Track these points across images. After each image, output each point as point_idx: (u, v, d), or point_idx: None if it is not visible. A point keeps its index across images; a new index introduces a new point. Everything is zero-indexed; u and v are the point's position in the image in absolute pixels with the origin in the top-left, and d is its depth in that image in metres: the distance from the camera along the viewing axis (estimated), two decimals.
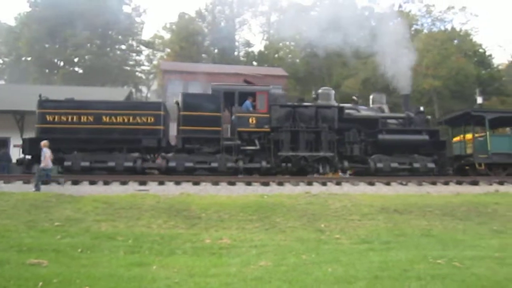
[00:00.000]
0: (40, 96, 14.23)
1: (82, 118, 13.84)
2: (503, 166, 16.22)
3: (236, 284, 4.89)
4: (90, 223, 7.85)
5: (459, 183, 13.57)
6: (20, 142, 15.69)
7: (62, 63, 43.97)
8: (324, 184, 12.60)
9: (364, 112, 16.37)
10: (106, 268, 5.45)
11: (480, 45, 43.49)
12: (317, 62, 43.82)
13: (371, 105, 17.22)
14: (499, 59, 53.06)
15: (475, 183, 13.55)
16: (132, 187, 11.54)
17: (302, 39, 45.64)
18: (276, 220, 8.28)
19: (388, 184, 13.02)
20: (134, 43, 49.27)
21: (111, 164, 13.66)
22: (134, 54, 49.93)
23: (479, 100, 31.91)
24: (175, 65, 35.89)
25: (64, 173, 13.60)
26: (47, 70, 43.91)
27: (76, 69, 44.96)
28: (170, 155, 14.25)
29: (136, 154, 14.06)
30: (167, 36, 52.60)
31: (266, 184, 12.33)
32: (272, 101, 14.87)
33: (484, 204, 9.98)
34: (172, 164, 13.88)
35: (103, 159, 13.76)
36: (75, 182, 12.22)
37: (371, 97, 17.80)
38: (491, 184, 13.41)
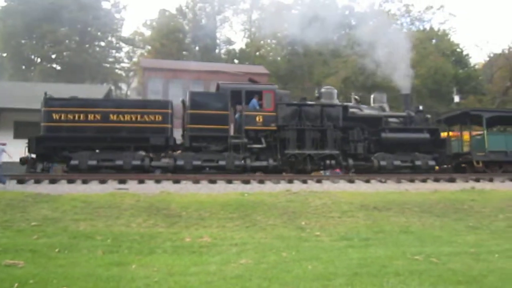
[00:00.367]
0: (45, 94, 14.03)
1: (89, 116, 13.67)
2: (499, 163, 16.76)
3: (216, 283, 4.89)
4: (68, 222, 7.73)
5: (436, 180, 13.82)
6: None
7: (39, 60, 43.10)
8: (304, 182, 12.68)
9: (366, 111, 16.71)
10: (84, 268, 5.37)
11: (458, 45, 44.37)
12: (298, 60, 44.03)
13: (371, 104, 17.58)
14: (476, 59, 54.18)
15: (452, 180, 13.82)
16: (112, 186, 11.40)
17: (283, 37, 45.83)
18: (257, 218, 8.30)
19: (367, 181, 13.18)
20: (114, 40, 48.61)
21: (119, 162, 13.54)
22: (113, 51, 49.28)
23: (456, 98, 32.57)
24: (155, 63, 35.52)
25: (70, 172, 13.45)
26: (23, 67, 42.98)
27: (54, 65, 44.15)
28: (176, 153, 14.25)
29: (142, 153, 13.99)
30: (147, 33, 52.08)
31: (246, 182, 12.34)
32: (278, 100, 15.03)
33: (461, 201, 10.19)
34: (180, 162, 13.84)
35: (111, 157, 13.64)
36: (53, 181, 12.02)
37: (372, 96, 18.16)
38: (467, 181, 13.70)
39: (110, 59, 48.71)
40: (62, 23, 40.80)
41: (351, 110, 16.01)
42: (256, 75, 35.33)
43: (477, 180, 13.94)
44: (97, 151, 13.79)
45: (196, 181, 12.22)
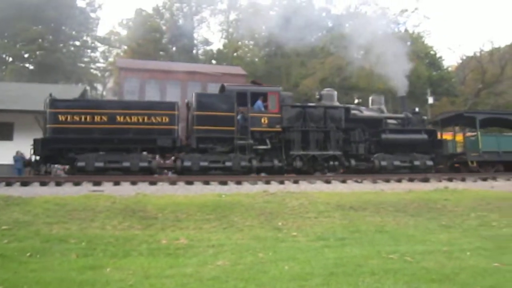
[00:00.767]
0: (50, 95, 13.86)
1: (95, 118, 13.57)
2: (491, 163, 17.53)
3: (193, 284, 4.86)
4: (40, 225, 7.54)
5: (411, 180, 14.07)
6: None
7: (10, 59, 42.04)
8: (281, 182, 12.72)
9: (366, 112, 17.14)
10: (57, 272, 5.26)
11: (432, 48, 45.28)
12: (275, 61, 44.18)
13: (370, 106, 18.06)
14: (449, 61, 55.45)
15: (426, 180, 14.10)
16: (86, 188, 11.20)
17: (261, 38, 45.92)
18: (234, 219, 8.28)
19: (344, 182, 13.31)
20: (89, 39, 47.84)
21: (126, 164, 13.48)
22: (89, 51, 48.49)
23: (430, 100, 33.26)
24: (131, 63, 35.10)
25: (77, 173, 13.30)
26: None
27: (27, 65, 43.14)
28: (181, 154, 14.30)
29: (148, 155, 13.98)
30: (123, 32, 51.48)
31: (224, 183, 12.30)
32: (282, 102, 15.24)
33: (434, 200, 10.39)
34: (187, 163, 13.89)
35: (117, 159, 13.55)
36: (25, 183, 11.73)
37: (370, 98, 18.65)
38: (440, 181, 13.99)
39: (85, 59, 47.94)
40: (35, 21, 39.92)
41: (352, 111, 16.43)
42: (233, 76, 35.36)
43: (450, 180, 14.26)
44: (101, 153, 13.66)
45: (173, 183, 12.12)
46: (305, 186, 12.19)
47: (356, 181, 13.52)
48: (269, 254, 6.26)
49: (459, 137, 19.65)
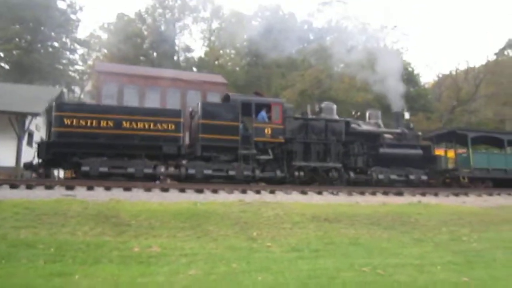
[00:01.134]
0: (57, 99, 13.65)
1: (102, 123, 13.58)
2: (481, 179, 18.33)
3: None
4: (8, 230, 7.31)
5: (385, 193, 14.25)
6: None
7: None
8: (258, 192, 12.71)
9: (364, 126, 17.60)
10: (22, 278, 5.09)
11: (409, 64, 46.24)
12: (256, 71, 44.39)
13: (367, 120, 18.59)
14: (425, 78, 56.67)
15: (400, 193, 14.29)
16: (58, 192, 10.94)
17: (242, 47, 46.11)
18: (209, 228, 8.20)
19: (320, 193, 13.38)
20: (68, 41, 47.13)
21: (131, 170, 13.47)
22: (67, 53, 47.74)
23: (407, 115, 33.89)
24: (111, 67, 34.71)
25: (80, 178, 13.12)
26: None
27: (2, 64, 42.17)
28: (183, 162, 14.43)
29: (152, 161, 13.97)
30: (104, 36, 50.94)
31: (200, 191, 12.21)
32: (285, 113, 15.55)
33: (407, 214, 10.52)
34: (191, 171, 13.98)
35: (122, 165, 13.54)
36: None
37: (367, 113, 19.21)
38: (414, 195, 14.20)
39: (64, 61, 47.15)
40: (13, 20, 39.14)
41: (352, 125, 16.89)
42: (214, 84, 35.33)
43: (423, 194, 14.49)
44: (104, 158, 13.60)
45: (148, 189, 11.96)
46: (281, 197, 12.20)
47: (332, 193, 13.61)
48: (242, 264, 6.21)
49: (451, 154, 20.43)
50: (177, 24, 53.44)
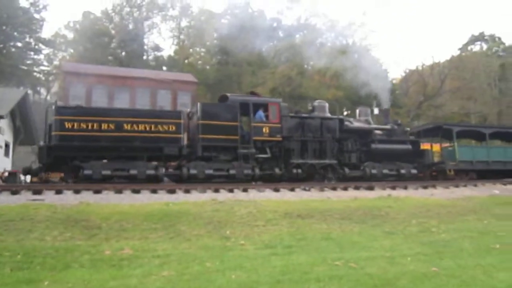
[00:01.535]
0: (56, 102, 13.78)
1: (103, 125, 13.54)
2: (465, 171, 19.30)
3: None
4: None
5: (356, 188, 14.46)
6: None
7: None
8: (231, 191, 12.69)
9: (356, 123, 18.12)
10: None
11: (378, 60, 47.03)
12: (227, 69, 44.29)
13: (357, 117, 19.17)
14: (393, 74, 57.82)
15: (370, 188, 14.54)
16: (25, 197, 10.63)
17: (212, 46, 45.90)
18: (181, 229, 8.15)
19: (292, 190, 13.47)
20: (32, 41, 45.79)
21: (133, 172, 13.52)
22: (32, 53, 46.38)
23: (376, 111, 34.59)
24: (78, 67, 33.96)
25: (83, 182, 13.00)
26: None
27: None
28: (183, 162, 14.59)
29: (153, 163, 14.07)
30: (70, 35, 49.75)
31: (172, 191, 12.09)
32: (282, 112, 15.85)
33: (378, 207, 10.73)
34: (193, 171, 14.12)
35: (124, 167, 13.58)
36: None
37: (357, 110, 19.81)
38: (384, 189, 14.48)
39: (28, 61, 45.80)
40: None
41: (345, 122, 17.43)
42: (184, 83, 35.10)
43: (393, 188, 14.78)
44: (104, 160, 13.60)
45: (119, 191, 11.76)
46: (254, 194, 12.22)
47: (304, 189, 13.73)
48: (216, 263, 6.20)
49: (436, 148, 21.21)
50: (145, 22, 52.77)
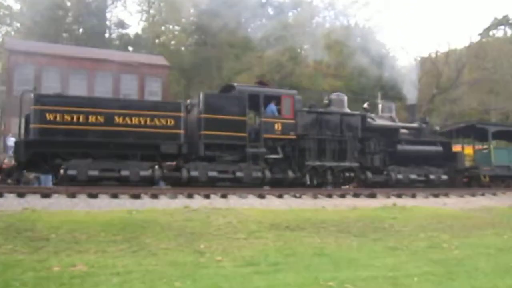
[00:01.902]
0: (35, 89, 13.93)
1: (90, 118, 13.57)
2: (502, 178, 19.31)
3: None
4: None
5: (356, 195, 14.61)
6: None
7: None
8: (207, 197, 12.70)
9: (379, 121, 18.25)
10: None
11: (384, 46, 47.37)
12: (205, 52, 44.15)
13: (380, 113, 19.47)
14: (402, 62, 58.31)
15: (372, 195, 14.69)
16: None
17: (189, 23, 45.72)
18: (146, 241, 8.12)
19: (280, 196, 13.53)
20: None
21: (125, 173, 13.51)
22: None
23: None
24: (26, 45, 33.52)
25: (65, 184, 12.96)
26: None
27: None
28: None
29: (147, 163, 14.14)
30: (16, 6, 49.10)
31: (136, 196, 12.06)
32: (296, 106, 15.92)
33: (381, 219, 10.85)
34: (194, 173, 14.17)
35: (114, 167, 13.58)
36: None
37: (379, 105, 19.61)
38: (388, 197, 14.65)
39: None
40: None
41: (368, 120, 17.53)
42: (154, 66, 34.93)
43: (399, 196, 14.96)
44: (89, 159, 13.56)
45: (72, 195, 11.68)
46: (234, 201, 12.25)
47: (295, 196, 13.80)
48: (187, 282, 6.18)
49: (468, 150, 21.29)
50: None
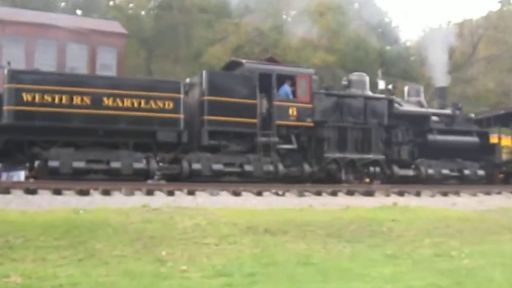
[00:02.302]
0: (8, 63, 14.00)
1: (75, 99, 13.66)
2: None
3: None
4: None
5: (350, 193, 14.70)
6: None
7: None
8: (170, 193, 12.67)
9: (407, 106, 18.50)
10: None
11: (386, 14, 47.61)
12: (171, 18, 43.77)
13: (405, 98, 19.58)
14: (407, 34, 58.73)
15: (369, 193, 14.80)
16: None
17: None
18: (96, 247, 8.09)
19: (259, 194, 13.55)
20: None
21: (115, 165, 13.66)
22: None
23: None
24: None
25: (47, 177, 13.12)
26: None
27: None
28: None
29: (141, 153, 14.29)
30: None
31: (84, 193, 11.96)
32: (314, 88, 16.11)
33: (379, 221, 10.94)
34: (196, 166, 14.36)
35: (103, 157, 13.76)
36: None
37: (405, 88, 20.34)
38: (388, 195, 14.78)
39: None
40: None
41: (395, 105, 17.79)
42: (108, 34, 34.53)
43: (401, 194, 15.10)
44: (73, 148, 13.68)
45: (5, 191, 11.55)
46: (203, 199, 12.27)
47: (276, 194, 13.84)
48: None
49: (507, 141, 21.90)
50: None
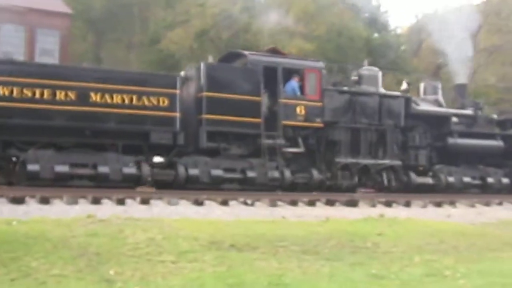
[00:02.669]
0: None
1: (57, 94, 13.71)
2: None
3: None
4: None
5: (330, 203, 14.74)
6: None
7: None
8: (120, 202, 12.58)
9: (425, 105, 18.74)
10: None
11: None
12: None
13: (421, 95, 20.00)
14: (398, 20, 59.27)
15: (352, 203, 14.87)
16: None
17: None
18: (32, 265, 7.99)
19: (224, 203, 13.53)
20: None
21: (103, 169, 13.72)
22: None
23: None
24: None
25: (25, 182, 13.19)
26: None
27: None
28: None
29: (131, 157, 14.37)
30: None
31: (19, 201, 11.82)
32: (324, 84, 16.32)
33: (363, 235, 11.02)
34: (193, 172, 14.55)
35: (89, 161, 13.87)
36: None
37: (421, 85, 20.62)
38: (374, 206, 14.87)
39: None
40: None
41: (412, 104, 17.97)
42: (49, 14, 34.20)
43: (389, 205, 15.20)
44: (54, 150, 13.74)
45: None
46: (159, 209, 12.25)
47: (245, 203, 13.84)
48: None
49: None
50: None
